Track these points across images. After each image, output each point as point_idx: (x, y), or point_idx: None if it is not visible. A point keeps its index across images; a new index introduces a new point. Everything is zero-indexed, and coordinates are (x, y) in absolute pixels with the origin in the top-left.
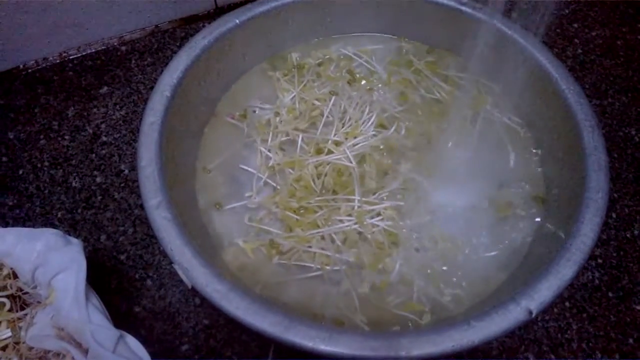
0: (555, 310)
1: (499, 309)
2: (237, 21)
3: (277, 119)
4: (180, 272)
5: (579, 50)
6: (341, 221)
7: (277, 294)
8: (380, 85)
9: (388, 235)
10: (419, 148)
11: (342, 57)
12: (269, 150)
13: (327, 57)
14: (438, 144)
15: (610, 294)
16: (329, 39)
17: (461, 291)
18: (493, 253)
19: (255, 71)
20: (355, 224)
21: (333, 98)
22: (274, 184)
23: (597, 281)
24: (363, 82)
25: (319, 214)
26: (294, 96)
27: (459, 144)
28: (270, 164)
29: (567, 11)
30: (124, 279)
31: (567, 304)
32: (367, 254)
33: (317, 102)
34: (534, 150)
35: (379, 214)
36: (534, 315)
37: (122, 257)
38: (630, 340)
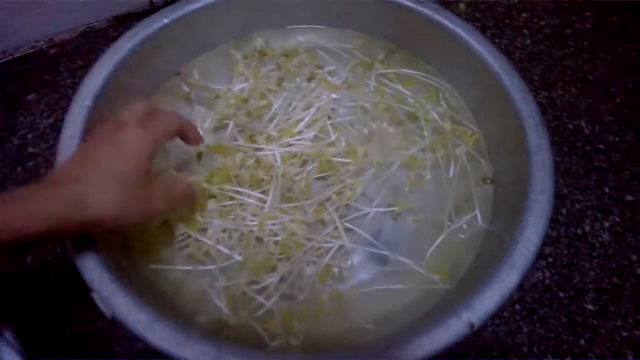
0: (505, 313)
1: (439, 323)
2: (166, 20)
3: (223, 102)
4: (99, 302)
5: (528, 41)
6: (244, 219)
7: (159, 273)
8: (338, 87)
9: (285, 249)
10: (357, 168)
11: (306, 51)
12: (203, 132)
13: (293, 49)
14: (375, 157)
15: (561, 294)
16: (286, 30)
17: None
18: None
19: (219, 50)
20: (256, 226)
21: (285, 93)
22: (196, 166)
23: (547, 281)
24: (322, 83)
25: (224, 204)
26: (247, 82)
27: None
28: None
29: (515, 1)
30: (54, 302)
31: (517, 306)
32: (254, 259)
33: (267, 93)
34: (484, 152)
35: (282, 224)
36: (475, 328)
37: (52, 278)
38: (582, 341)
